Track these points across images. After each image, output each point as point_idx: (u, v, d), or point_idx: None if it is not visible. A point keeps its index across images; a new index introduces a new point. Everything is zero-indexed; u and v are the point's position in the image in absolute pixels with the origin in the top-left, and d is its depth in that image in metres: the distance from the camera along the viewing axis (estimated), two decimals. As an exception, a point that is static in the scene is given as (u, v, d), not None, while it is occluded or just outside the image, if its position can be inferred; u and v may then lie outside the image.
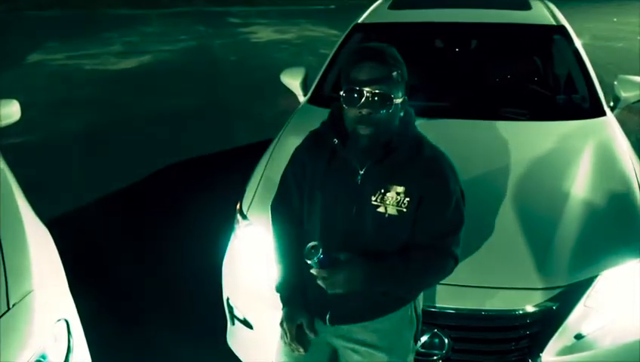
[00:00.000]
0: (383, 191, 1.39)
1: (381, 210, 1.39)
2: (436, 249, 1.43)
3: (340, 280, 1.34)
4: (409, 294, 1.52)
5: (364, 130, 1.35)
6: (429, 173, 1.41)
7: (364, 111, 1.33)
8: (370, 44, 1.45)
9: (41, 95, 6.88)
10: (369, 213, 1.40)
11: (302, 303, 1.56)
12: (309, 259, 1.30)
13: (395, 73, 1.34)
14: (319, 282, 1.36)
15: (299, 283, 1.56)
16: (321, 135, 1.50)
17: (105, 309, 2.70)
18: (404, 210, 1.39)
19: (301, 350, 1.56)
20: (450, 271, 1.47)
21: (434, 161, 1.43)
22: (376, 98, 1.32)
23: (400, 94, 1.37)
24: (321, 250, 1.30)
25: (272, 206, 1.63)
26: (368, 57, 1.34)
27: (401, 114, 1.42)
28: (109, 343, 2.16)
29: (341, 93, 1.37)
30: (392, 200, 1.39)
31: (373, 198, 1.40)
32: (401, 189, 1.39)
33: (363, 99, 1.32)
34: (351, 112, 1.36)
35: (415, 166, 1.41)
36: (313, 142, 1.54)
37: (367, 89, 1.32)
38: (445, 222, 1.42)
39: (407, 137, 1.42)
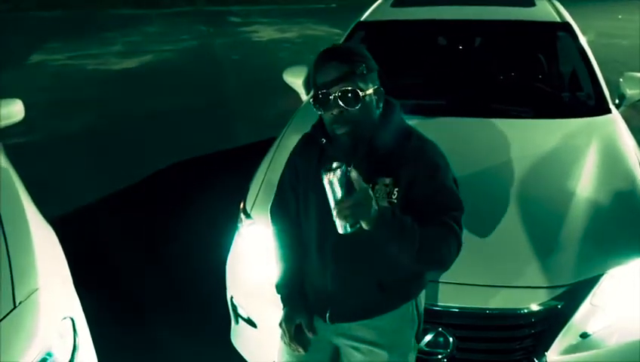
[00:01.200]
0: (371, 184, 1.37)
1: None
2: (439, 223, 1.34)
3: (357, 200, 1.21)
4: (411, 259, 1.35)
5: (340, 130, 1.36)
6: (416, 159, 1.39)
7: (335, 111, 1.34)
8: (332, 46, 1.44)
9: (44, 95, 6.89)
10: None
11: (301, 303, 1.57)
12: (326, 172, 1.22)
13: (358, 68, 1.34)
14: (334, 210, 1.23)
15: (298, 283, 1.57)
16: (311, 137, 1.52)
17: (110, 308, 2.70)
18: (395, 201, 1.38)
19: (300, 350, 1.56)
20: (455, 253, 1.36)
21: (421, 149, 1.42)
22: (343, 96, 1.32)
23: (369, 86, 1.37)
24: (344, 167, 1.22)
25: (270, 210, 1.66)
26: (327, 58, 1.35)
27: (381, 104, 1.42)
28: (113, 341, 2.16)
29: (310, 100, 1.37)
30: (382, 192, 1.38)
31: None
32: (388, 181, 1.38)
33: (331, 100, 1.33)
34: (325, 116, 1.38)
35: (402, 156, 1.40)
36: (304, 145, 1.56)
37: (332, 89, 1.32)
38: (441, 197, 1.37)
39: (390, 129, 1.42)
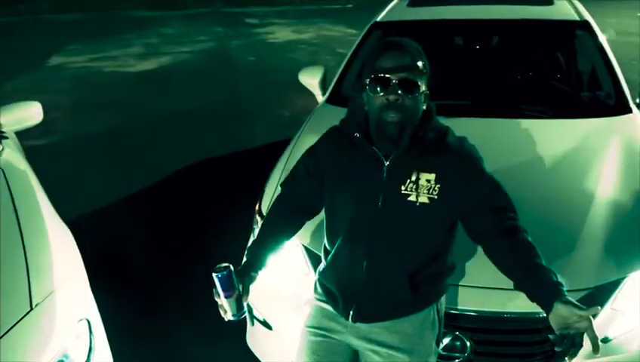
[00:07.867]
0: (413, 179, 1.41)
1: (412, 198, 1.40)
2: (516, 229, 1.43)
3: None
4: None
5: (391, 117, 1.36)
6: (457, 155, 1.43)
7: (391, 97, 1.34)
8: (394, 38, 1.46)
9: (63, 97, 6.99)
10: (398, 203, 1.41)
11: (250, 272, 1.53)
12: (215, 272, 1.39)
13: (420, 63, 1.37)
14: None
15: (263, 255, 1.55)
16: (340, 131, 1.53)
17: (126, 309, 2.72)
18: (435, 197, 1.40)
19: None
20: None
21: (461, 147, 1.46)
22: (403, 83, 1.34)
23: (424, 85, 1.40)
24: (227, 271, 1.39)
25: (281, 184, 1.66)
26: (393, 47, 1.39)
27: (424, 107, 1.44)
28: (129, 342, 2.18)
29: (366, 81, 1.39)
30: (424, 188, 1.40)
31: (403, 188, 1.41)
32: (431, 176, 1.40)
33: (390, 85, 1.34)
34: (377, 100, 1.37)
35: (442, 153, 1.42)
36: (332, 138, 1.56)
37: (394, 75, 1.34)
38: (499, 197, 1.46)
39: (430, 127, 1.44)
